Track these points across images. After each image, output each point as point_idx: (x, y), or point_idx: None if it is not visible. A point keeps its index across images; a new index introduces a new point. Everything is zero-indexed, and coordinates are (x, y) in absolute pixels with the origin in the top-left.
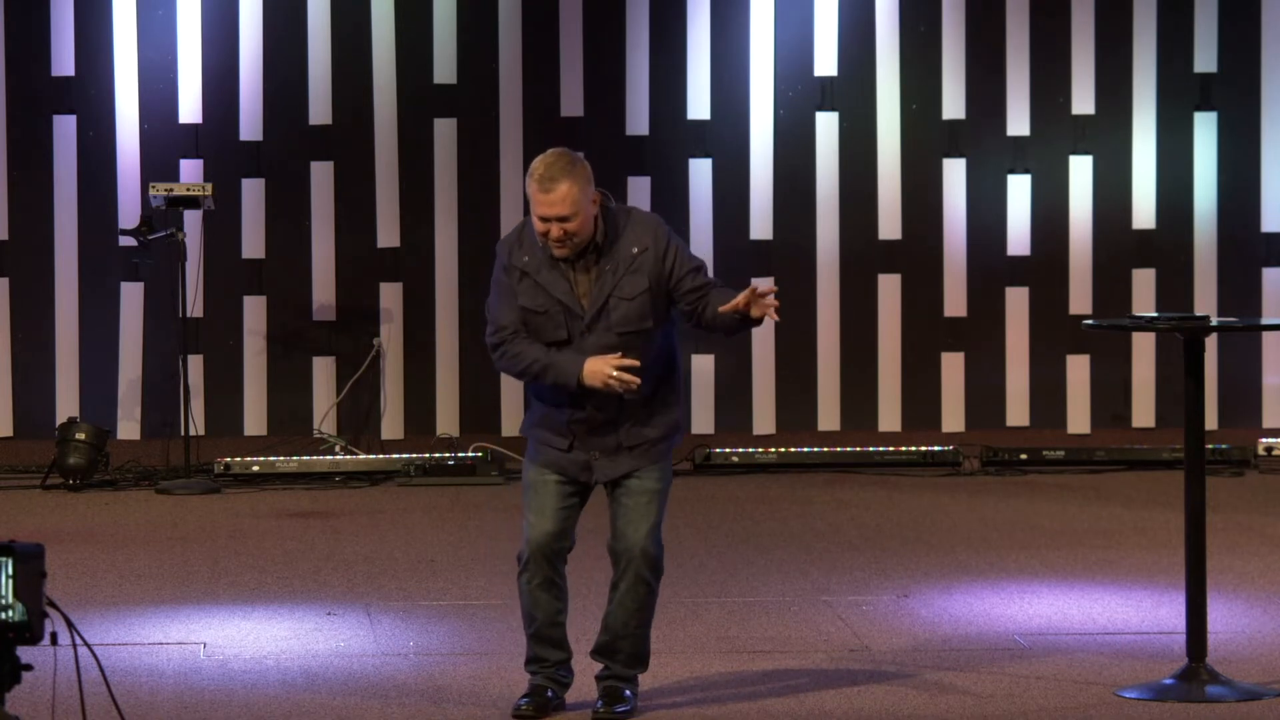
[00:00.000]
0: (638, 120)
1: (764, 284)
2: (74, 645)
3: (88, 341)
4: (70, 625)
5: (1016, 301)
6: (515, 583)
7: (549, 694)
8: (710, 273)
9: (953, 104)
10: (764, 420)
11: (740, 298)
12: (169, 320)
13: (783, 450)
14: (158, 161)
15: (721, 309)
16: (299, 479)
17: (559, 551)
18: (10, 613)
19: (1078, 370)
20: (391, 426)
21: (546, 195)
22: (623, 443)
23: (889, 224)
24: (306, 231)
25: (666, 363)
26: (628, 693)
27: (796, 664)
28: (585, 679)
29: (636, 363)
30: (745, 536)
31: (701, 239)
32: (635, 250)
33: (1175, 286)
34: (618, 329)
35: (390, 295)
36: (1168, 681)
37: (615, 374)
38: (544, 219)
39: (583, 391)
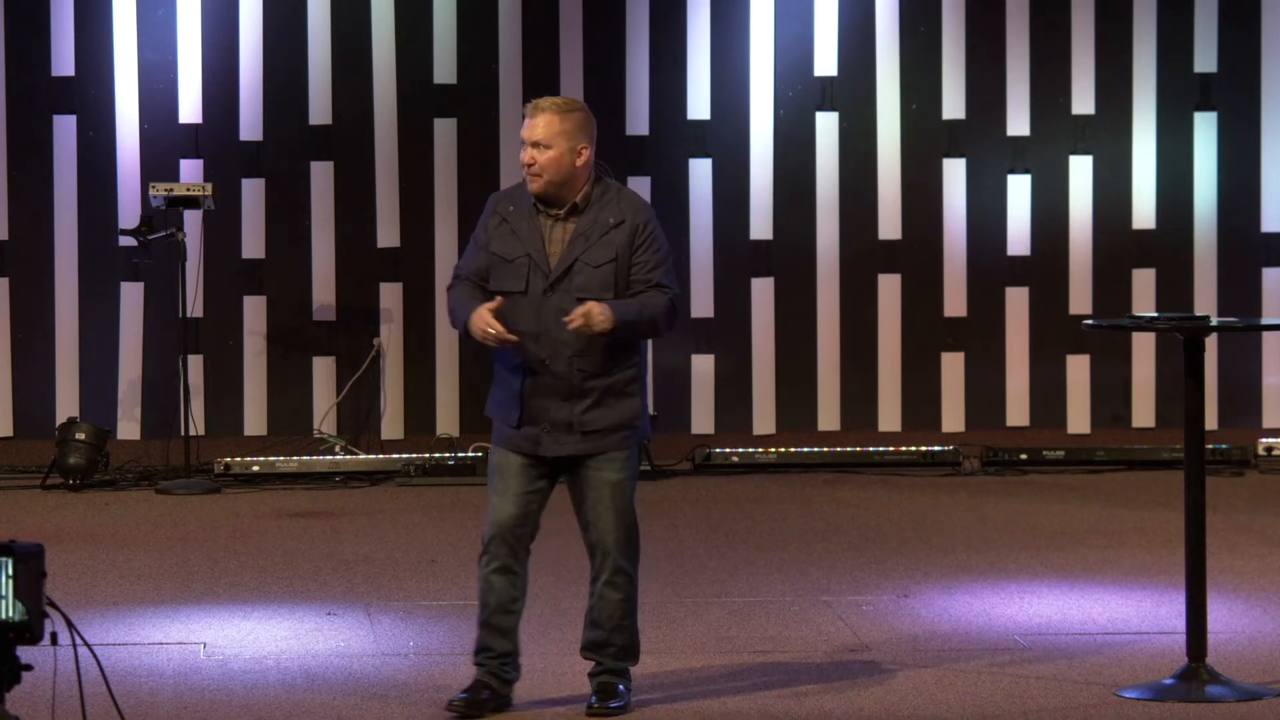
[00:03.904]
0: (638, 120)
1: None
2: (74, 645)
3: (88, 341)
4: (70, 625)
5: (1016, 301)
6: None
7: (485, 695)
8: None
9: (953, 104)
10: (764, 420)
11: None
12: (169, 320)
13: (783, 450)
14: (158, 161)
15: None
16: (299, 479)
17: (520, 537)
18: (10, 612)
19: (1078, 370)
20: (391, 426)
21: (530, 119)
22: (574, 423)
23: (889, 224)
24: (306, 231)
25: (627, 348)
26: (621, 688)
27: (796, 664)
28: (580, 676)
29: (514, 338)
30: (745, 536)
31: (701, 239)
32: (613, 221)
33: (1175, 286)
34: (578, 293)
35: (390, 295)
36: (1168, 681)
37: (489, 331)
38: (524, 143)
39: (531, 350)
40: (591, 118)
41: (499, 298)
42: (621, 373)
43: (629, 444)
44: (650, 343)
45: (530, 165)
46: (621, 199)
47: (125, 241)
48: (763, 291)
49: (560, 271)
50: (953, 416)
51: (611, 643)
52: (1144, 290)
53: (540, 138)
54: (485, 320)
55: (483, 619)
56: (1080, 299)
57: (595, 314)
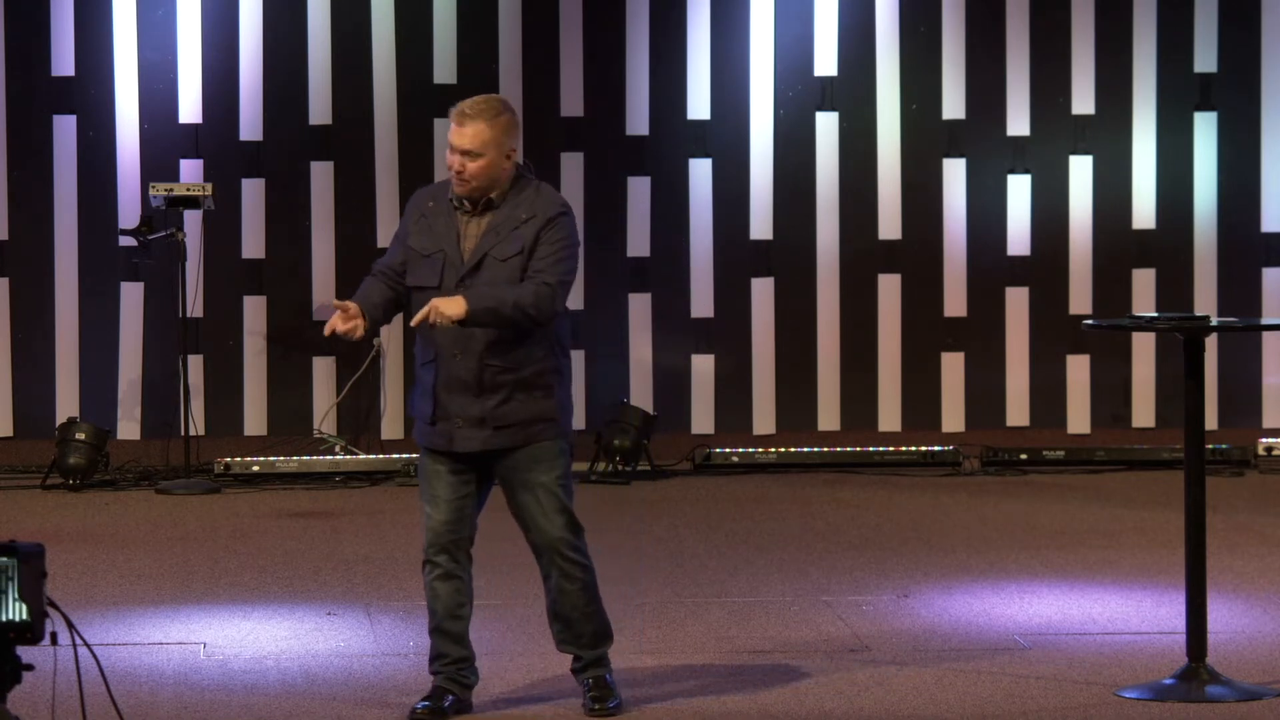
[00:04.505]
0: (638, 120)
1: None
2: (74, 645)
3: (88, 341)
4: (70, 625)
5: (1016, 301)
6: (510, 583)
7: (448, 699)
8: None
9: (953, 104)
10: (764, 420)
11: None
12: (169, 320)
13: (783, 450)
14: (158, 161)
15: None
16: (299, 479)
17: (457, 542)
18: (12, 612)
19: (1078, 370)
20: (391, 426)
21: (459, 128)
22: (486, 418)
23: (889, 224)
24: (306, 231)
25: (543, 344)
26: (609, 679)
27: (796, 664)
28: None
29: (358, 335)
30: (745, 536)
31: (701, 239)
32: (524, 216)
33: (1175, 286)
34: (486, 287)
35: None
36: (1168, 681)
37: (340, 325)
38: (452, 149)
39: (441, 344)
40: (517, 117)
41: (350, 305)
42: (533, 367)
43: (547, 438)
44: (651, 343)
45: (460, 172)
46: (538, 195)
47: (125, 241)
48: (763, 291)
49: (470, 266)
50: (953, 416)
51: (582, 632)
52: (1144, 290)
53: (470, 145)
54: (333, 312)
55: (432, 626)
56: (1080, 299)
57: (440, 306)
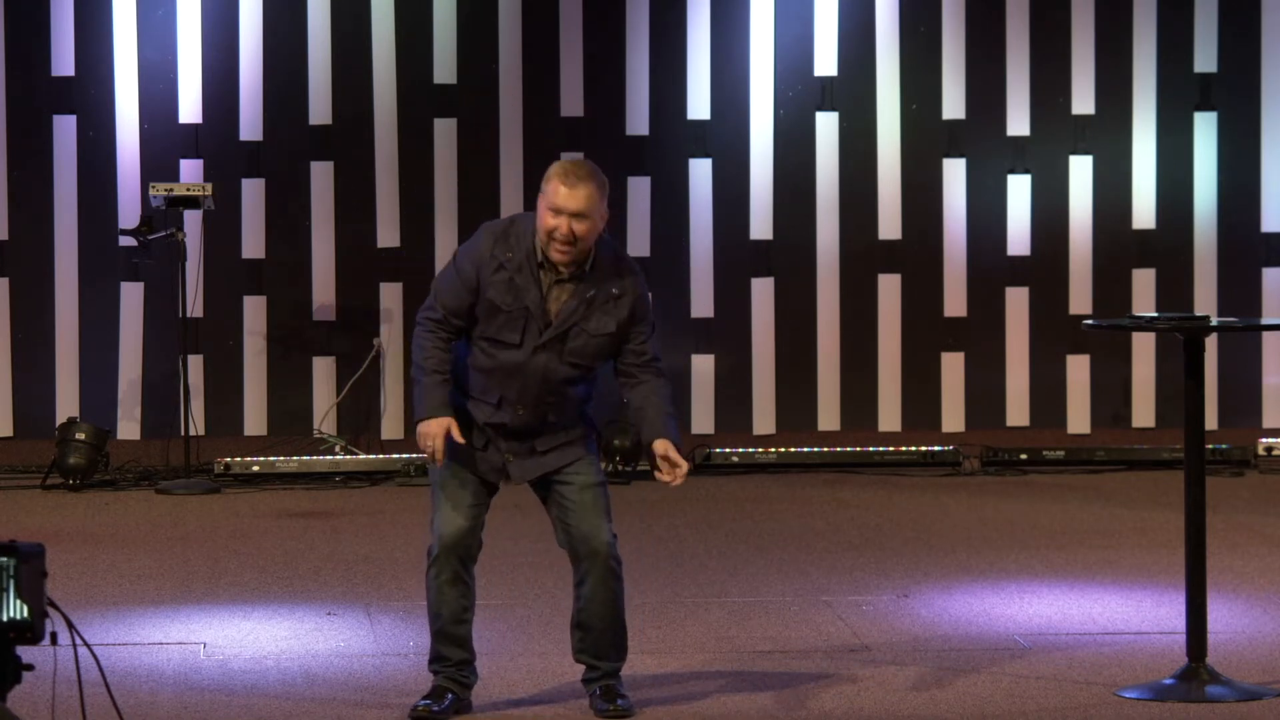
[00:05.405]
0: (638, 120)
1: (672, 476)
2: (74, 645)
3: (88, 341)
4: (70, 625)
5: (1016, 301)
6: (511, 583)
7: (449, 698)
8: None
9: (953, 104)
10: (764, 420)
11: (656, 458)
12: (169, 320)
13: (783, 450)
14: (158, 161)
15: (643, 434)
16: (299, 479)
17: (470, 548)
18: (13, 612)
19: (1078, 370)
20: (391, 426)
21: (570, 189)
22: (537, 448)
23: (889, 224)
24: (306, 231)
25: (586, 400)
26: (621, 688)
27: (796, 664)
28: (578, 674)
29: (439, 461)
30: (745, 536)
31: (701, 239)
32: (615, 291)
33: (1175, 286)
34: (570, 358)
35: (390, 295)
36: (1168, 681)
37: (429, 446)
38: (558, 211)
39: (507, 395)
40: (608, 184)
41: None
42: (579, 410)
43: (589, 451)
44: None
45: (567, 239)
46: (621, 264)
47: (125, 241)
48: (763, 291)
49: (556, 333)
50: (953, 416)
51: (602, 642)
52: (1144, 290)
53: (582, 209)
54: (440, 434)
55: (436, 629)
56: (1080, 299)
57: (683, 468)
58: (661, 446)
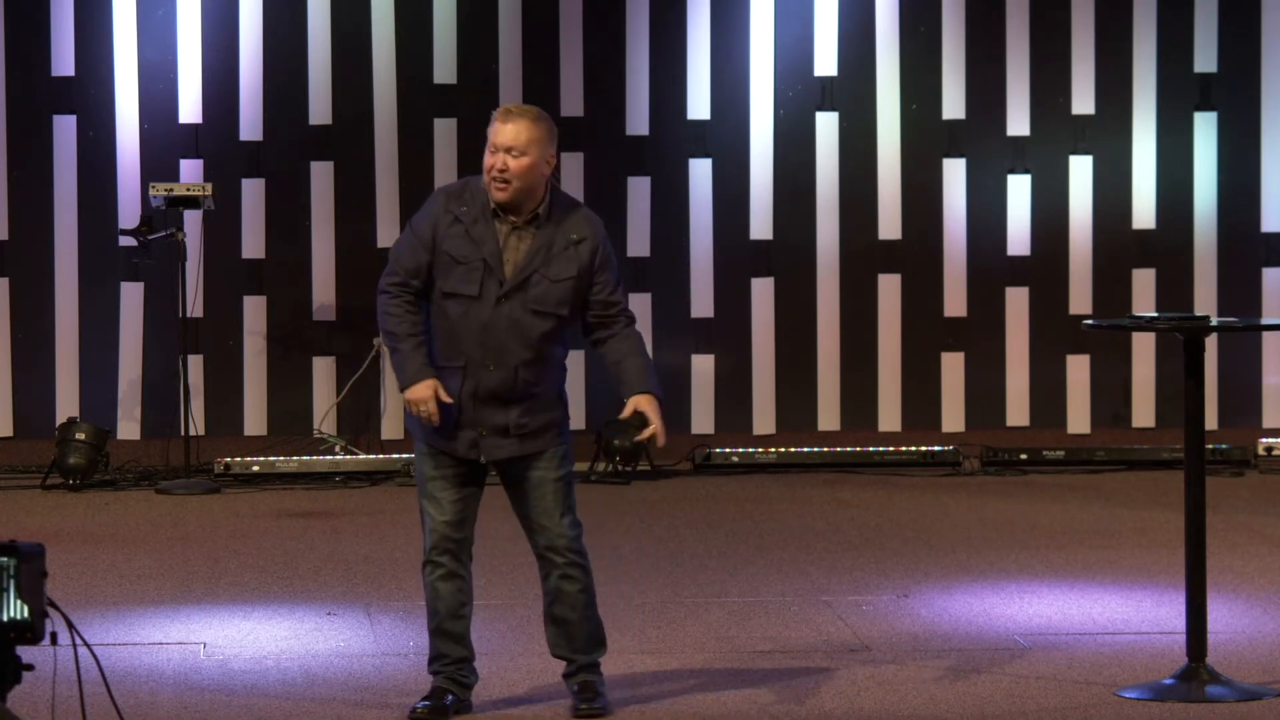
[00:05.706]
0: (638, 120)
1: (650, 430)
2: (74, 645)
3: (88, 341)
4: (70, 625)
5: (1016, 301)
6: (511, 583)
7: (448, 698)
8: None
9: (953, 104)
10: (764, 420)
11: (629, 411)
12: (169, 320)
13: (783, 450)
14: (158, 161)
15: (620, 387)
16: (299, 479)
17: (460, 542)
18: (13, 612)
19: (1078, 370)
20: (391, 426)
21: (503, 124)
22: (511, 427)
23: (889, 224)
24: (306, 231)
25: (558, 365)
26: (599, 685)
27: (796, 664)
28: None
29: (435, 421)
30: (745, 536)
31: (701, 239)
32: (575, 237)
33: (1175, 286)
34: (533, 305)
35: None
36: (1168, 681)
37: (423, 408)
38: (495, 149)
39: (473, 354)
40: (555, 129)
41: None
42: (553, 375)
43: (560, 441)
44: (651, 343)
45: (503, 171)
46: (578, 212)
47: (125, 241)
48: (763, 291)
49: (517, 281)
50: (953, 416)
51: (578, 636)
52: (1144, 290)
53: (513, 142)
54: (429, 396)
55: (433, 627)
56: (1080, 299)
57: (659, 428)
58: (646, 402)
